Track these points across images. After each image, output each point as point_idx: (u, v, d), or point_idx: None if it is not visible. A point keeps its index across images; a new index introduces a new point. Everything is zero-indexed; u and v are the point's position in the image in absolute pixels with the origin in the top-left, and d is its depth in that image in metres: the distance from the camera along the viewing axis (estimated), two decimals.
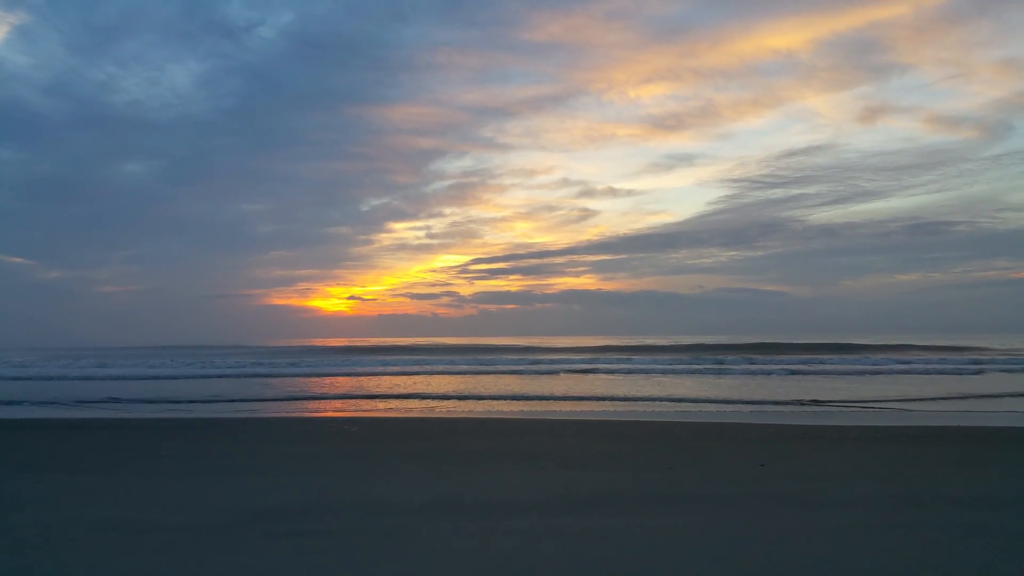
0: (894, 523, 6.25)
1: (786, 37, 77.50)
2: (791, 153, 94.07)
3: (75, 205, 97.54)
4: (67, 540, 5.88)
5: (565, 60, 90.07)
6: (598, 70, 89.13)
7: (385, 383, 28.30)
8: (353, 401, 21.05)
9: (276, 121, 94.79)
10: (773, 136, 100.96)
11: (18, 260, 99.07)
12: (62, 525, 6.37)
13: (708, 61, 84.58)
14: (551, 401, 20.41)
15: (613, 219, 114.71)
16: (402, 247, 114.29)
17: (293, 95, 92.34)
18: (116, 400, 21.56)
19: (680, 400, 20.50)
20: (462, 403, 20.08)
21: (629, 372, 33.41)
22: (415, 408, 18.90)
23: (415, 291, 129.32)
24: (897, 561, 5.15)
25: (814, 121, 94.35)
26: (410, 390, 24.49)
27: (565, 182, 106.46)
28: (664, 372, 32.90)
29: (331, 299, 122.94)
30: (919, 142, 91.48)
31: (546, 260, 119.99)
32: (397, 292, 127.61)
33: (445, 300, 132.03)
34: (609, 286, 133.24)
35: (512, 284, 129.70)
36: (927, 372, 31.47)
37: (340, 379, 30.87)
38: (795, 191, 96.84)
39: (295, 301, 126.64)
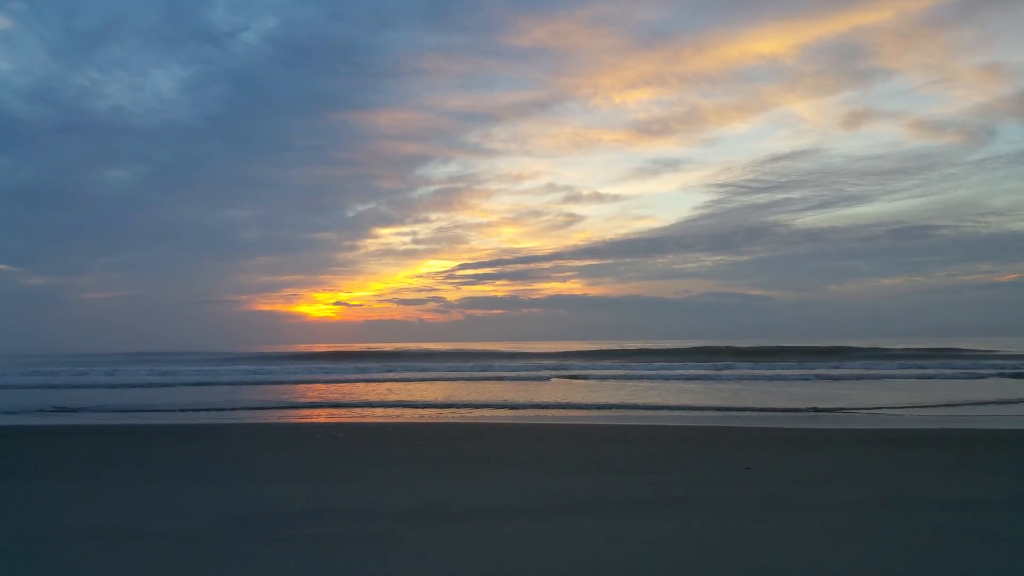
0: (879, 526, 6.30)
1: (771, 42, 78.24)
2: (776, 158, 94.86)
3: (59, 211, 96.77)
4: (51, 548, 5.82)
5: (551, 65, 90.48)
6: (584, 75, 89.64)
7: (372, 389, 28.22)
8: (339, 407, 20.96)
9: (261, 127, 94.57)
10: (758, 141, 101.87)
11: (2, 267, 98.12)
12: (46, 533, 6.30)
13: (693, 66, 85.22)
14: (537, 406, 20.40)
15: (599, 224, 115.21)
16: (388, 252, 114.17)
17: (278, 100, 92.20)
18: (75, 408, 21.36)
19: (667, 408, 20.54)
20: (448, 408, 20.05)
21: (614, 377, 33.50)
22: (402, 414, 18.85)
23: (401, 296, 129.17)
24: (882, 564, 5.19)
25: (799, 126, 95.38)
26: (397, 396, 24.43)
27: (551, 187, 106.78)
28: (650, 378, 33.00)
29: (317, 305, 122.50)
30: (903, 147, 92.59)
31: (532, 265, 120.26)
32: (384, 297, 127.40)
33: (432, 305, 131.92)
34: (595, 291, 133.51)
35: (499, 289, 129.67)
36: (911, 376, 31.74)
37: (326, 385, 30.75)
38: (780, 196, 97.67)
39: (281, 307, 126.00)
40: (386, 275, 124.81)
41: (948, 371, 33.15)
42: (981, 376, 30.44)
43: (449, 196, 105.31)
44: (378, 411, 19.58)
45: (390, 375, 36.69)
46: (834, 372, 33.88)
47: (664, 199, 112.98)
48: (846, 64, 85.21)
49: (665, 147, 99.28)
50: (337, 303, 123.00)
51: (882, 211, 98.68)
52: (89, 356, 68.91)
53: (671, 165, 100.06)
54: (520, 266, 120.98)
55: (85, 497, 8.03)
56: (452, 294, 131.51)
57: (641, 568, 5.12)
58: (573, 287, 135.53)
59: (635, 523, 6.48)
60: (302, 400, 23.41)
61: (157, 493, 8.20)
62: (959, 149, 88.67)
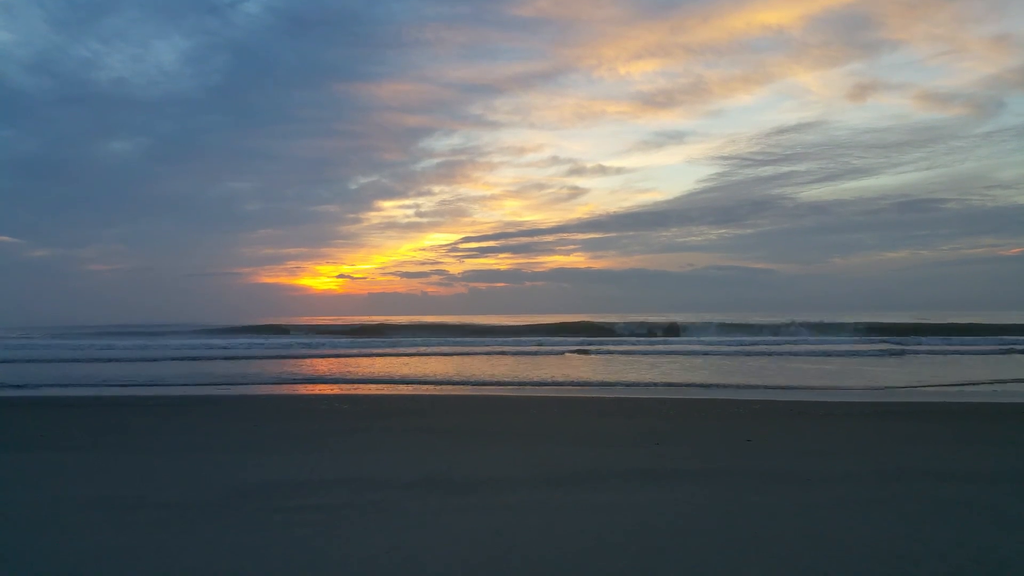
0: (879, 498, 6.34)
1: (777, 13, 77.16)
2: (781, 130, 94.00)
3: (61, 183, 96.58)
4: (59, 517, 5.89)
5: (554, 36, 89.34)
6: (588, 46, 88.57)
7: (375, 362, 28.33)
8: (342, 379, 21.07)
9: (262, 98, 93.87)
10: (763, 113, 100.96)
11: (5, 239, 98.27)
12: (53, 502, 6.37)
13: (698, 37, 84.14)
14: (539, 379, 20.48)
15: (603, 197, 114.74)
16: (391, 225, 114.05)
17: (279, 72, 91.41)
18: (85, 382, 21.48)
19: (670, 382, 20.61)
20: (451, 381, 20.14)
21: (617, 352, 33.59)
22: (405, 386, 18.94)
23: (405, 269, 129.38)
24: (881, 535, 5.23)
25: (804, 98, 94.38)
26: (400, 368, 24.53)
27: (554, 160, 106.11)
28: (655, 352, 33.10)
29: (320, 277, 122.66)
30: (909, 119, 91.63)
31: (536, 238, 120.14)
32: (387, 270, 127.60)
33: (435, 278, 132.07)
34: (599, 264, 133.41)
35: (502, 262, 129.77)
36: (914, 352, 31.78)
37: (329, 357, 30.88)
38: (785, 168, 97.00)
39: (284, 280, 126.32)
40: (389, 248, 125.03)
41: (950, 347, 33.20)
42: (983, 352, 30.44)
43: (452, 169, 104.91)
44: (381, 384, 19.68)
45: (393, 349, 36.83)
46: (837, 348, 33.96)
47: (668, 172, 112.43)
48: (853, 35, 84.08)
49: (669, 119, 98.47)
50: (340, 276, 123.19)
51: (888, 184, 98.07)
52: (91, 328, 69.19)
53: (675, 137, 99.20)
54: (523, 239, 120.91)
55: (90, 468, 8.10)
56: (455, 267, 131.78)
57: (640, 537, 5.17)
58: (576, 260, 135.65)
59: (635, 494, 6.53)
60: (305, 372, 23.51)
61: (161, 464, 8.27)
62: (966, 121, 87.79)
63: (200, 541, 5.21)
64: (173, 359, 29.88)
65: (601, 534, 5.26)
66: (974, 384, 18.42)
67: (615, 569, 4.53)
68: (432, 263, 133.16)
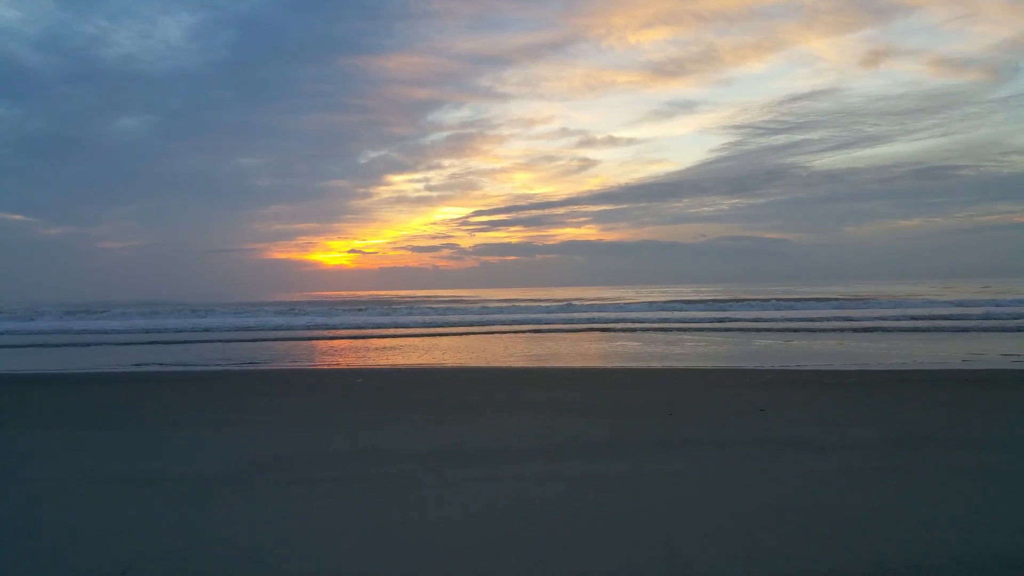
0: (893, 466, 6.33)
1: None
2: (794, 98, 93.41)
3: (72, 161, 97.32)
4: (78, 492, 5.97)
5: (563, 5, 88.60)
6: (597, 15, 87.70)
7: (389, 336, 28.46)
8: (356, 353, 21.18)
9: (270, 73, 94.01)
10: (775, 81, 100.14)
11: (18, 217, 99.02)
12: (72, 478, 6.46)
13: (709, 4, 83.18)
14: (552, 351, 20.51)
15: (613, 169, 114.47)
16: (401, 199, 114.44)
17: (287, 46, 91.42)
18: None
19: (683, 352, 20.59)
20: (464, 354, 20.20)
21: (628, 325, 33.59)
22: (418, 360, 19.02)
23: (416, 243, 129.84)
24: (896, 503, 5.23)
25: (817, 65, 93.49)
26: (413, 342, 24.63)
27: (564, 132, 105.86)
28: (668, 328, 33.07)
29: (331, 252, 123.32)
30: (924, 86, 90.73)
31: (546, 211, 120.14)
32: (398, 245, 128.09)
33: (446, 252, 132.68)
34: (610, 236, 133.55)
35: (513, 236, 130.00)
36: (928, 329, 31.58)
37: (344, 332, 31.02)
38: (798, 137, 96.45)
39: (295, 255, 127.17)
40: (400, 222, 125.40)
41: (965, 321, 32.97)
42: (992, 329, 30.19)
43: (461, 142, 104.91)
44: (394, 357, 19.76)
45: (405, 330, 36.95)
46: (846, 325, 33.80)
47: (680, 142, 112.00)
48: (866, 0, 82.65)
49: (680, 88, 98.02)
50: (351, 251, 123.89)
51: (902, 151, 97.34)
52: (105, 304, 69.71)
53: (687, 107, 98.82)
54: (534, 212, 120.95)
55: (109, 443, 8.20)
56: (466, 241, 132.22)
57: (656, 506, 5.19)
58: (588, 232, 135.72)
59: (649, 464, 6.55)
60: (319, 347, 23.65)
61: (177, 439, 8.36)
62: (982, 87, 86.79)
63: (218, 513, 5.28)
64: (188, 340, 30.09)
65: (616, 504, 5.28)
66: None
67: (630, 538, 4.56)
68: (443, 237, 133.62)
